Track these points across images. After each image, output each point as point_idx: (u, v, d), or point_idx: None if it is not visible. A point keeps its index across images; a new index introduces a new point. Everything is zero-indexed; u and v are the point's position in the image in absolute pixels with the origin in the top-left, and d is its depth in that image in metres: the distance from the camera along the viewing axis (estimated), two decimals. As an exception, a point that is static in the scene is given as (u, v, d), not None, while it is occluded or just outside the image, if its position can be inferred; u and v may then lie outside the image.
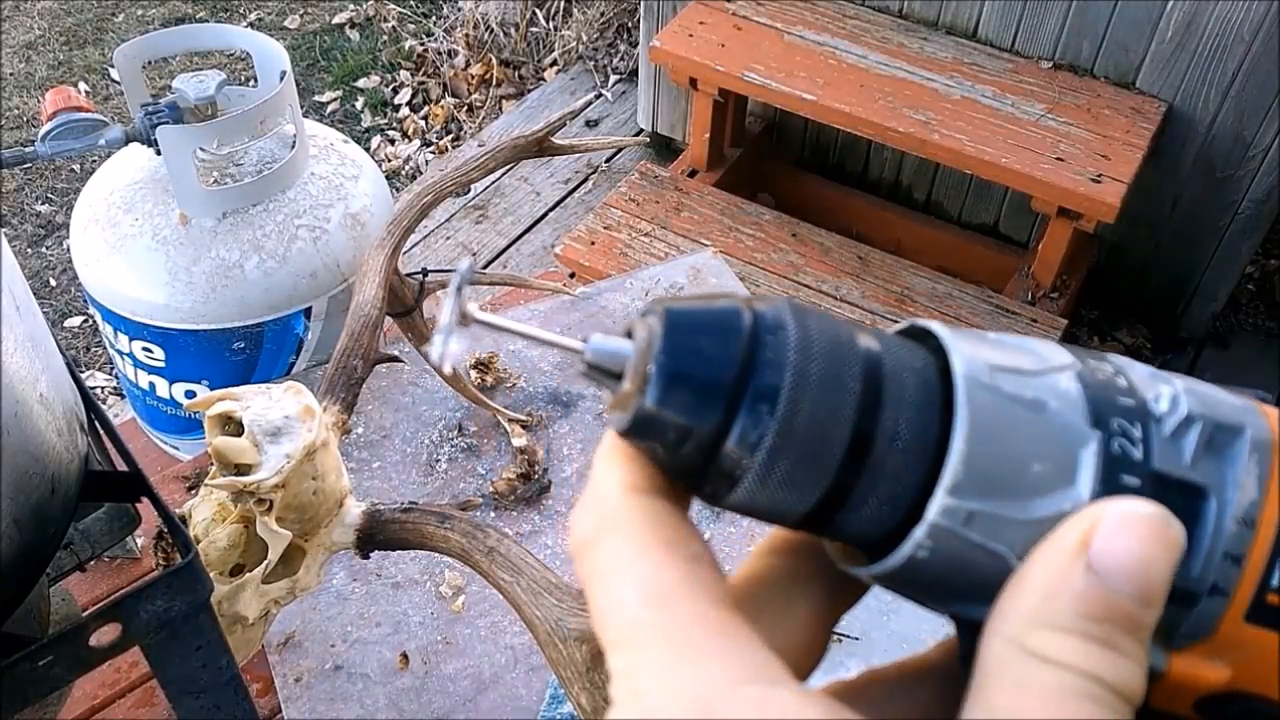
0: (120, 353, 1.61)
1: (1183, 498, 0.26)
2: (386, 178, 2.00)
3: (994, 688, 0.24)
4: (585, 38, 3.66)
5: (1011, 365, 0.26)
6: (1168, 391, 0.27)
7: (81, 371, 2.77)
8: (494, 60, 3.71)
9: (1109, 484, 0.25)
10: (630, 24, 3.65)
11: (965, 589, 0.26)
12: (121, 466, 0.86)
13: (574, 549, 0.27)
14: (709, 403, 0.25)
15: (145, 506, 0.86)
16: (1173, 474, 0.26)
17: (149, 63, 1.58)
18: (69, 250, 1.65)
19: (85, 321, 2.91)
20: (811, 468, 0.25)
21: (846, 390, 0.25)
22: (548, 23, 3.73)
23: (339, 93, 3.70)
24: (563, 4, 3.73)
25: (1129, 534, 0.24)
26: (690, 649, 0.24)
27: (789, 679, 0.24)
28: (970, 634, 0.26)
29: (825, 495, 0.25)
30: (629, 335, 0.27)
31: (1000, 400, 0.25)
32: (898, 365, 0.26)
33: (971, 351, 0.26)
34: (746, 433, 0.25)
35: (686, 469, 0.26)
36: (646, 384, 0.25)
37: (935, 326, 0.27)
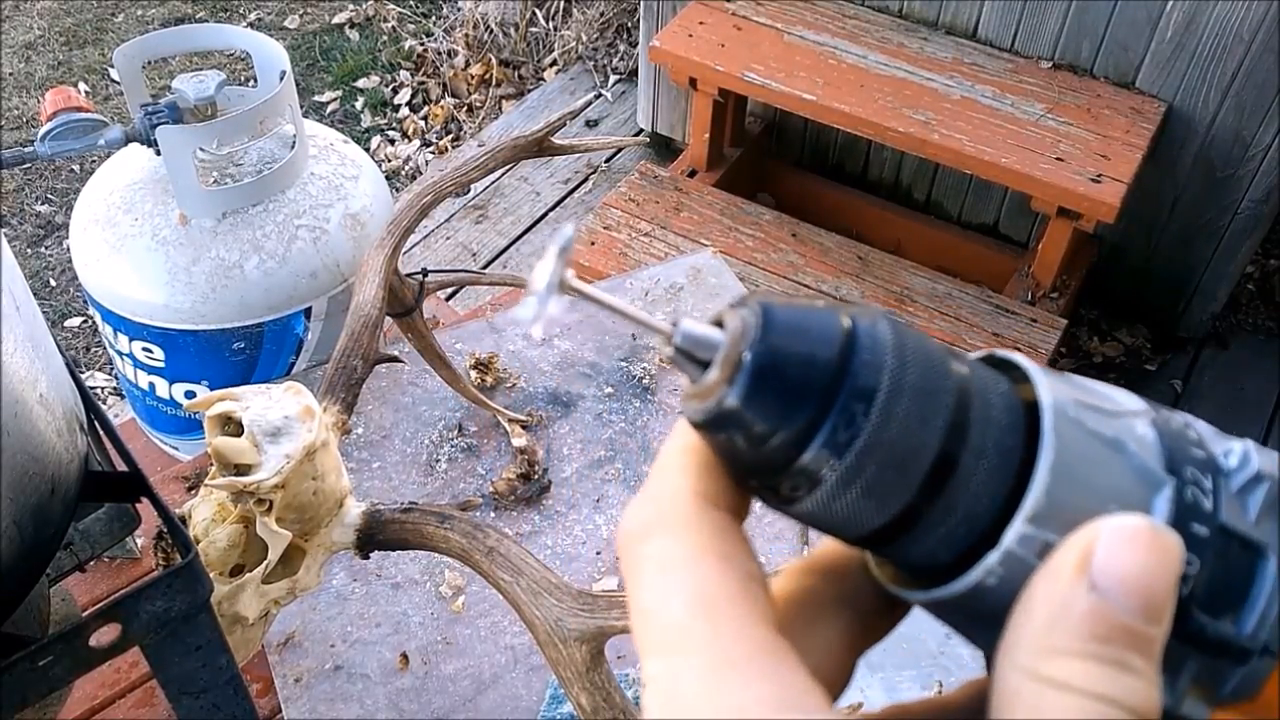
0: (120, 353, 1.61)
1: (1244, 554, 0.26)
2: (386, 178, 2.00)
3: (1007, 718, 0.24)
4: (585, 38, 3.66)
5: (1093, 403, 0.26)
6: (1238, 448, 0.27)
7: (81, 371, 2.77)
8: (494, 60, 3.71)
9: (1180, 531, 0.25)
10: (630, 24, 3.65)
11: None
12: (121, 467, 0.86)
13: (624, 539, 0.27)
14: (801, 401, 0.24)
15: (145, 506, 0.86)
16: (1238, 529, 0.26)
17: (149, 63, 1.58)
18: (69, 250, 1.65)
19: (85, 321, 2.91)
20: (897, 478, 0.25)
21: (941, 402, 0.25)
22: (547, 23, 3.73)
23: (339, 93, 3.70)
24: (563, 4, 3.73)
25: (1127, 548, 0.24)
26: (735, 666, 0.24)
27: (828, 710, 0.24)
28: None
29: (904, 509, 0.25)
30: (719, 324, 0.26)
31: (1084, 435, 0.25)
32: (985, 387, 0.26)
33: (1057, 383, 0.26)
34: (836, 435, 0.24)
35: (764, 469, 0.26)
36: (736, 375, 0.25)
37: (1019, 359, 0.27)
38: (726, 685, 0.24)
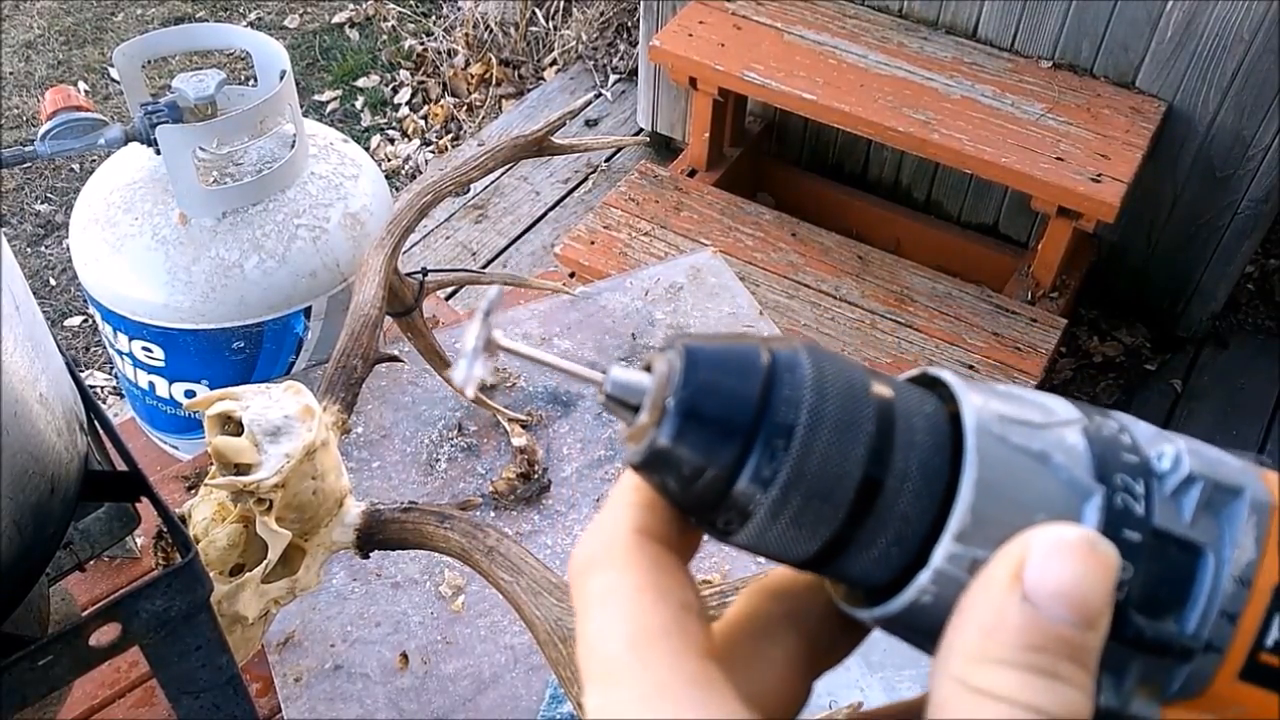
0: (120, 352, 1.61)
1: (1181, 555, 0.26)
2: (386, 177, 2.00)
3: None
4: (585, 37, 3.66)
5: (1019, 417, 0.26)
6: (1170, 450, 0.27)
7: (81, 371, 2.77)
8: (494, 60, 3.71)
9: (1112, 538, 0.25)
10: (630, 23, 3.65)
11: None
12: (121, 466, 0.86)
13: (572, 573, 0.28)
14: (724, 439, 0.25)
15: (145, 506, 0.86)
16: (1173, 531, 0.26)
17: (149, 62, 1.58)
18: (69, 250, 1.65)
19: (85, 321, 2.91)
20: (822, 507, 0.26)
21: (860, 431, 0.25)
22: (547, 22, 3.72)
23: (339, 92, 3.70)
24: (562, 4, 3.73)
25: (1059, 560, 0.24)
26: (664, 697, 0.25)
27: None
28: None
29: (834, 535, 0.26)
30: (648, 369, 0.27)
31: (1008, 451, 0.26)
32: (909, 410, 0.26)
33: (981, 402, 0.26)
34: (760, 470, 0.25)
35: (698, 504, 0.27)
36: (663, 418, 0.26)
37: (947, 376, 0.28)
38: (657, 716, 0.25)
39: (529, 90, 3.64)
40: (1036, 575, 0.24)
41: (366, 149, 2.70)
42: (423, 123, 3.59)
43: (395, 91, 3.70)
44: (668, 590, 0.27)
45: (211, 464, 0.88)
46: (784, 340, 0.27)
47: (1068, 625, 0.24)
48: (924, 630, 0.27)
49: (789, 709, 0.30)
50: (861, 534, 0.26)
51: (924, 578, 0.26)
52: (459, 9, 3.87)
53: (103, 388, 2.75)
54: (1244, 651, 0.26)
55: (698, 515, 0.27)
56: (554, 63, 3.70)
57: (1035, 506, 0.25)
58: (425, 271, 1.21)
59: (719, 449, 0.25)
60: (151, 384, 1.62)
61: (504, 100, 3.63)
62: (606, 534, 0.28)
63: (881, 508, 0.26)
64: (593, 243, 2.56)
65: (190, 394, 1.59)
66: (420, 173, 3.39)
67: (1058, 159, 2.36)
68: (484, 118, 3.56)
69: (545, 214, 3.15)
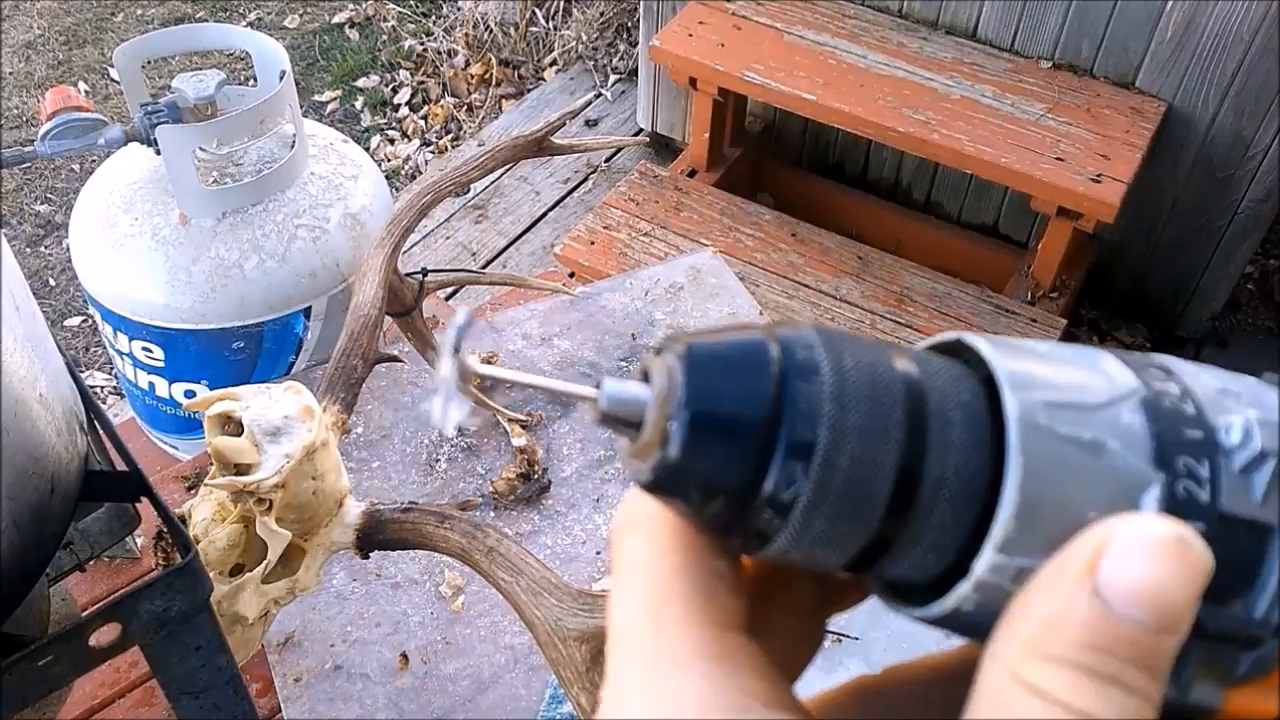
0: (120, 353, 1.61)
1: (1250, 537, 0.24)
2: (386, 177, 2.00)
3: (979, 716, 0.23)
4: (585, 37, 3.66)
5: (1068, 400, 0.24)
6: (1239, 422, 0.24)
7: (81, 371, 2.77)
8: (494, 60, 3.71)
9: None
10: (630, 24, 3.65)
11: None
12: (121, 466, 0.86)
13: (613, 533, 0.27)
14: (738, 455, 0.23)
15: (145, 506, 0.86)
16: (1240, 514, 0.24)
17: (149, 62, 1.58)
18: (69, 250, 1.65)
19: (85, 321, 2.91)
20: (851, 524, 0.23)
21: (889, 439, 0.23)
22: (547, 22, 3.72)
23: (338, 92, 3.70)
24: (562, 4, 3.73)
25: (1143, 555, 0.22)
26: (674, 668, 0.24)
27: (767, 703, 0.24)
28: None
29: (867, 545, 0.24)
30: (645, 377, 0.25)
31: (1056, 444, 0.23)
32: (943, 401, 0.24)
33: (1026, 380, 0.24)
34: (779, 490, 0.23)
35: (716, 523, 0.24)
36: (670, 432, 0.23)
37: (983, 348, 0.25)
38: (663, 688, 0.24)
39: (529, 90, 3.64)
40: (1114, 570, 0.22)
41: (366, 149, 2.70)
42: (423, 123, 3.59)
43: (395, 92, 3.70)
44: (696, 556, 0.25)
45: (211, 464, 0.88)
46: (793, 325, 0.24)
47: (1141, 628, 0.22)
48: (972, 628, 0.25)
49: (804, 652, 0.29)
50: (897, 542, 0.24)
51: (964, 588, 0.24)
52: (459, 9, 3.87)
53: (103, 388, 2.75)
54: None
55: (717, 535, 0.25)
56: (554, 63, 3.70)
57: (1087, 504, 0.23)
58: (425, 272, 1.21)
59: (732, 467, 0.23)
60: (151, 384, 1.62)
61: (504, 100, 3.63)
62: (641, 496, 0.26)
63: (917, 516, 0.23)
64: (593, 243, 2.56)
65: (190, 394, 1.59)
66: (420, 173, 3.39)
67: (1058, 159, 2.36)
68: (484, 118, 3.56)
69: (545, 214, 3.15)
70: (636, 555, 0.26)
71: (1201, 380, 0.25)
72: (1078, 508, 0.23)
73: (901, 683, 0.30)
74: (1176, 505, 0.23)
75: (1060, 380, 0.24)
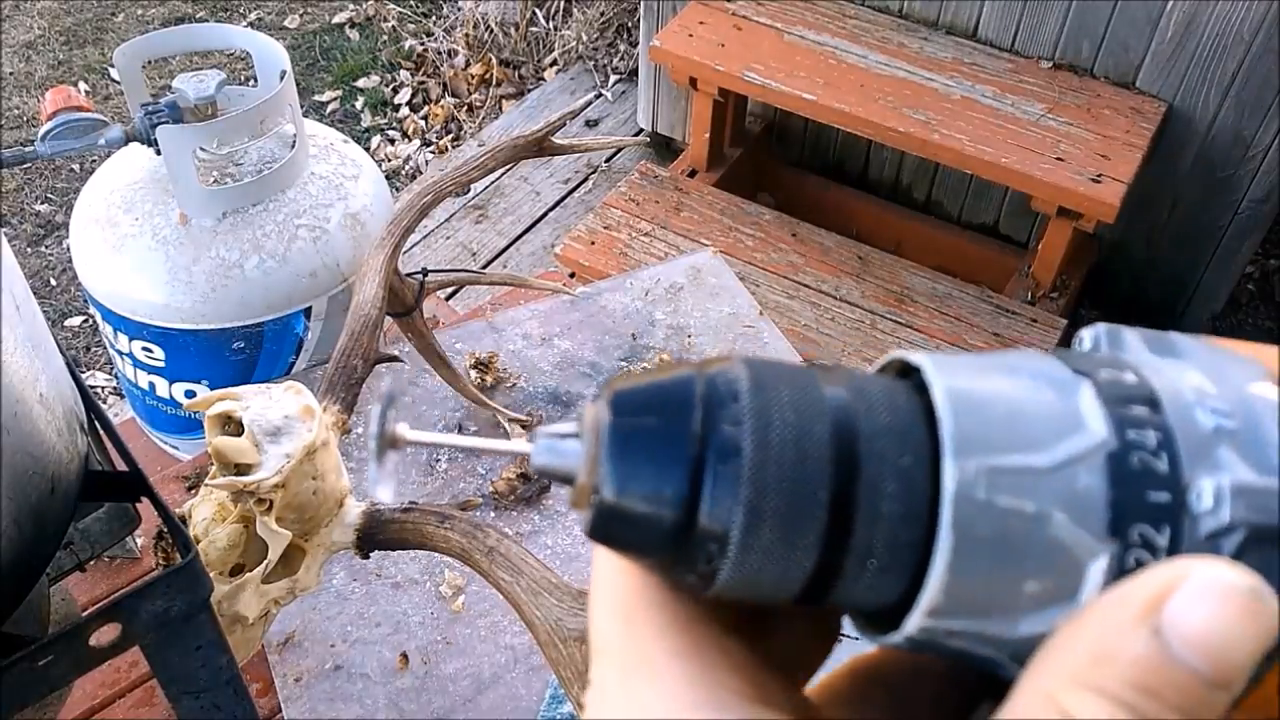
0: (120, 353, 1.61)
1: None
2: (386, 178, 2.00)
3: None
4: (585, 38, 3.66)
5: (1018, 463, 0.23)
6: (1210, 488, 0.23)
7: (81, 371, 2.77)
8: (494, 60, 3.71)
9: None
10: (630, 24, 3.65)
11: (962, 662, 0.25)
12: (121, 466, 0.86)
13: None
14: (661, 515, 0.23)
15: (145, 506, 0.86)
16: None
17: (149, 62, 1.58)
18: (69, 250, 1.65)
19: (85, 321, 2.91)
20: (782, 574, 0.23)
21: (812, 518, 0.23)
22: (548, 22, 3.72)
23: (339, 93, 3.70)
24: (563, 4, 3.73)
25: (1213, 604, 0.21)
26: (645, 668, 0.24)
27: (745, 701, 0.24)
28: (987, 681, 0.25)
29: (805, 590, 0.24)
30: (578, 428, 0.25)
31: (995, 517, 0.22)
32: (878, 468, 0.23)
33: (974, 437, 0.23)
34: (703, 549, 0.23)
35: (665, 558, 0.24)
36: (595, 494, 0.24)
37: (938, 394, 0.23)
38: (636, 689, 0.24)
39: (529, 90, 3.64)
40: (1180, 613, 0.21)
41: (366, 149, 2.70)
42: (423, 123, 3.59)
43: (395, 92, 3.70)
44: None
45: (211, 464, 0.88)
46: (723, 360, 0.24)
47: (1197, 678, 0.21)
48: (932, 654, 0.25)
49: (815, 649, 0.29)
50: (833, 590, 0.24)
51: (897, 639, 0.24)
52: (459, 9, 3.87)
53: (103, 388, 2.75)
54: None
55: (671, 573, 0.25)
56: (554, 63, 3.70)
57: (1025, 575, 0.22)
58: (425, 272, 1.21)
59: (664, 501, 0.23)
60: (151, 384, 1.62)
61: (504, 100, 3.63)
62: None
63: (848, 579, 0.23)
64: (593, 243, 2.56)
65: (190, 394, 1.59)
66: (420, 173, 3.39)
67: (1058, 159, 2.36)
68: (484, 118, 3.56)
69: (545, 214, 3.15)
70: (608, 564, 0.26)
71: (1197, 415, 0.24)
72: (1015, 577, 0.23)
73: (895, 670, 0.30)
74: (1125, 576, 0.23)
75: (1016, 432, 0.23)
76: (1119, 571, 0.22)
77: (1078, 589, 0.23)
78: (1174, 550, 0.23)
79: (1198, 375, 0.25)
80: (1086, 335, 0.28)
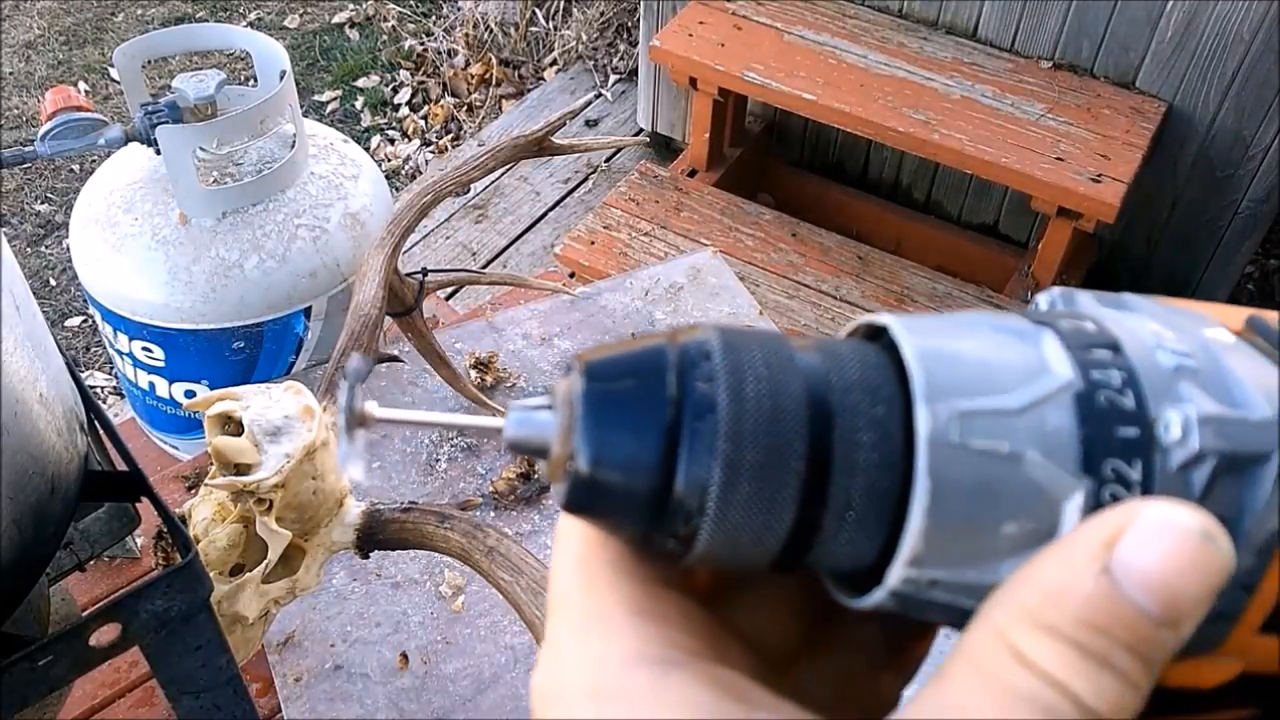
0: (120, 353, 1.61)
1: None
2: (386, 177, 2.00)
3: (957, 675, 0.22)
4: (585, 37, 3.66)
5: (989, 406, 0.23)
6: (1178, 420, 0.23)
7: (81, 371, 2.77)
8: (494, 60, 3.71)
9: None
10: (630, 24, 3.65)
11: (945, 621, 0.25)
12: (121, 466, 0.86)
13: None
14: (638, 480, 0.23)
15: (145, 506, 0.86)
16: None
17: (149, 62, 1.58)
18: (69, 250, 1.65)
19: (85, 321, 2.91)
20: (759, 538, 0.23)
21: (789, 472, 0.23)
22: (547, 22, 3.72)
23: (339, 92, 3.70)
24: (563, 4, 3.73)
25: (1163, 543, 0.21)
26: (600, 623, 0.24)
27: (694, 661, 0.24)
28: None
29: (782, 553, 0.24)
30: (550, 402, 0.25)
31: (970, 460, 0.22)
32: (851, 420, 0.23)
33: (944, 383, 0.23)
34: (688, 506, 0.23)
35: (643, 528, 0.24)
36: (571, 462, 0.23)
37: (905, 347, 0.24)
38: (589, 642, 0.24)
39: (529, 90, 3.64)
40: (1130, 552, 0.21)
41: (366, 149, 2.70)
42: (423, 123, 3.59)
43: (395, 92, 3.70)
44: None
45: (211, 464, 0.88)
46: (692, 334, 0.24)
47: (1145, 616, 0.21)
48: (905, 615, 0.25)
49: (787, 648, 0.29)
50: (812, 549, 0.24)
51: (878, 595, 0.23)
52: (459, 9, 3.87)
53: (103, 388, 2.75)
54: (1262, 613, 0.24)
55: (648, 544, 0.25)
56: (554, 63, 3.70)
57: (1003, 516, 0.22)
58: (425, 272, 1.21)
59: (640, 467, 0.23)
60: (151, 384, 1.62)
61: (504, 100, 3.63)
62: None
63: (827, 533, 0.23)
64: (593, 243, 2.56)
65: (190, 394, 1.59)
66: (420, 173, 3.39)
67: (1058, 159, 2.36)
68: (484, 118, 3.56)
69: (545, 214, 3.15)
70: (573, 527, 0.27)
71: (1155, 358, 0.24)
72: (993, 519, 0.23)
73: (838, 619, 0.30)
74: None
75: (986, 377, 0.23)
76: (1095, 507, 0.23)
77: (1055, 528, 0.23)
78: (1147, 483, 0.23)
79: (1154, 324, 0.25)
80: (1042, 299, 0.29)
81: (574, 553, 0.26)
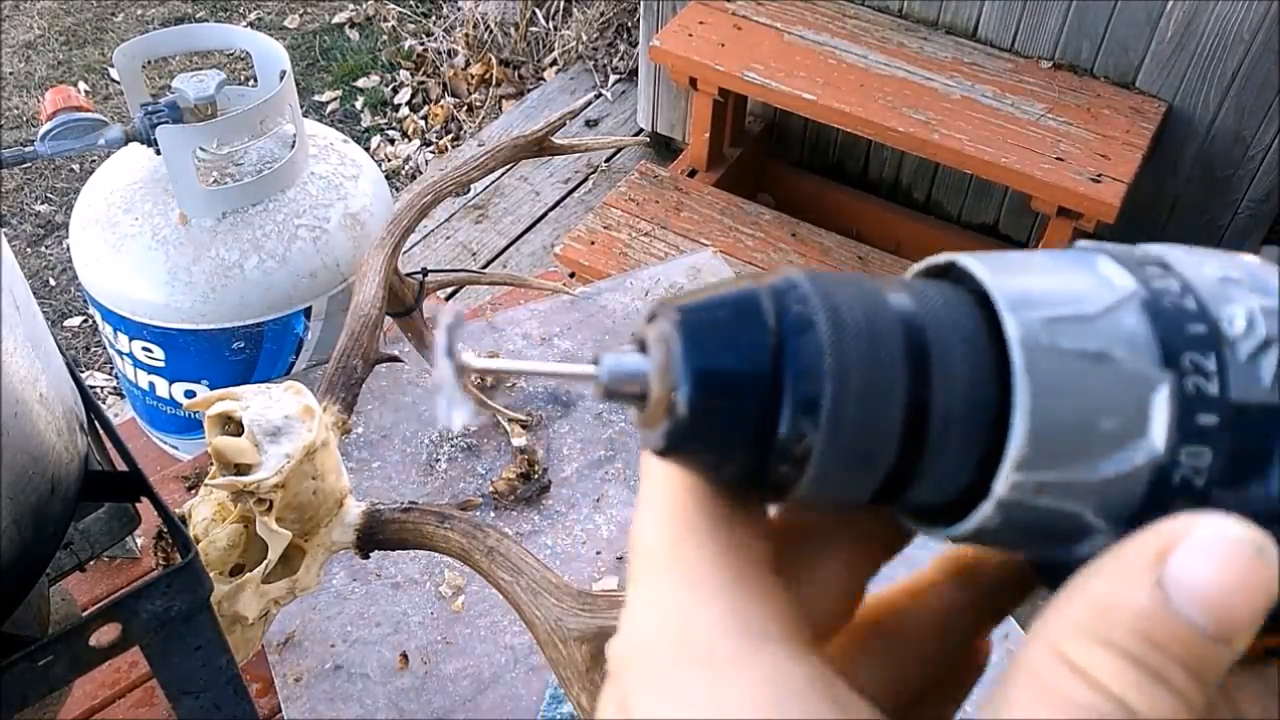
0: (120, 353, 1.61)
1: (1264, 420, 0.24)
2: (386, 177, 2.00)
3: (1015, 689, 0.22)
4: (585, 37, 3.66)
5: (1069, 313, 0.24)
6: (1241, 312, 0.25)
7: (81, 371, 2.77)
8: (494, 60, 3.71)
9: (1185, 428, 0.24)
10: (630, 24, 3.65)
11: (1042, 541, 0.25)
12: (121, 466, 0.86)
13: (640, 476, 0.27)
14: (745, 414, 0.23)
15: (145, 506, 0.86)
16: (1252, 401, 0.24)
17: (149, 62, 1.58)
18: (69, 250, 1.65)
19: (85, 321, 2.91)
20: (865, 467, 0.24)
21: (893, 384, 0.23)
22: (547, 22, 3.72)
23: (339, 92, 3.70)
24: (563, 4, 3.73)
25: (1214, 558, 0.21)
26: (694, 587, 0.24)
27: (786, 638, 0.23)
28: (1050, 575, 0.25)
29: (883, 485, 0.24)
30: (641, 346, 0.25)
31: (1061, 359, 0.23)
32: (944, 334, 0.24)
33: (1023, 298, 0.24)
34: (791, 443, 0.23)
35: (732, 481, 0.25)
36: (674, 402, 0.23)
37: (977, 269, 0.25)
38: (680, 605, 0.24)
39: (529, 90, 3.64)
40: (1182, 568, 0.21)
41: (366, 149, 2.70)
42: (423, 123, 3.59)
43: (395, 92, 3.70)
44: (714, 494, 0.25)
45: (211, 464, 0.88)
46: (781, 274, 0.25)
47: (1198, 632, 0.21)
48: (1001, 541, 0.25)
49: (844, 612, 0.29)
50: (914, 475, 0.24)
51: (986, 508, 0.24)
52: (459, 9, 3.87)
53: (103, 388, 2.75)
54: None
55: (757, 475, 0.25)
56: (554, 63, 3.70)
57: (1099, 413, 0.23)
58: (425, 272, 1.21)
59: (743, 421, 0.23)
60: (151, 384, 1.62)
61: (504, 100, 3.63)
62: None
63: (931, 451, 0.24)
64: (593, 243, 2.56)
65: (190, 394, 1.59)
66: (420, 173, 3.39)
67: (1058, 159, 2.36)
68: (484, 118, 3.56)
69: (545, 214, 3.15)
70: (656, 486, 0.26)
71: (1202, 271, 0.25)
72: (1090, 418, 0.23)
73: (888, 612, 0.30)
74: (1188, 402, 0.24)
75: (1058, 292, 0.24)
76: (1181, 397, 0.24)
77: (1147, 422, 0.24)
78: (1222, 375, 0.24)
79: (1186, 255, 0.27)
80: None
81: (671, 510, 0.25)
